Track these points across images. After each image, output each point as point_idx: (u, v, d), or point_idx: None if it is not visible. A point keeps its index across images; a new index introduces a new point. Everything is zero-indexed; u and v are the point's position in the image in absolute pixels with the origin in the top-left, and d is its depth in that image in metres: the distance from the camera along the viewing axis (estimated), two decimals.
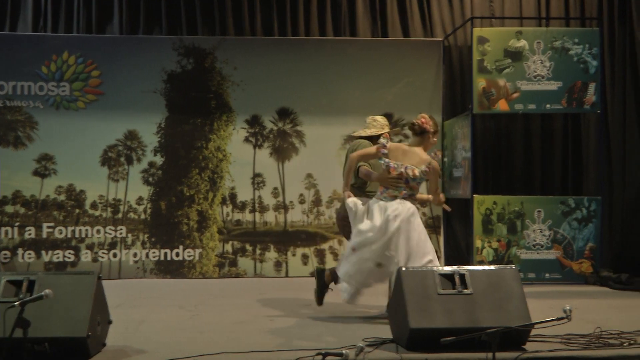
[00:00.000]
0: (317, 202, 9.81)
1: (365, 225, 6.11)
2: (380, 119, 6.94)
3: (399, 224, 6.01)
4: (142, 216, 9.61)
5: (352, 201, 6.29)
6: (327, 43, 9.84)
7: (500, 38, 9.04)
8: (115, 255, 9.51)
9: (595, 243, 8.97)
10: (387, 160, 6.22)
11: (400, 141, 9.03)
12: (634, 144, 9.51)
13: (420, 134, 6.34)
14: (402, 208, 6.09)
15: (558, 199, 9.15)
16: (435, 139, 6.45)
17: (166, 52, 9.61)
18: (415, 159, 6.23)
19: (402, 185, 6.18)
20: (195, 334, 5.74)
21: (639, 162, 9.38)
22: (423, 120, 6.33)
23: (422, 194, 6.54)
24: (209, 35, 9.80)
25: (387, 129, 6.81)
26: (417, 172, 6.17)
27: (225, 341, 5.44)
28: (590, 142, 9.86)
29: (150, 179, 9.65)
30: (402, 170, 6.17)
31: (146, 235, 9.60)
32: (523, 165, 9.97)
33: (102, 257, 9.48)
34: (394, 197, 6.16)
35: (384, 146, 6.26)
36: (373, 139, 6.74)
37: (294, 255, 9.77)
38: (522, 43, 9.02)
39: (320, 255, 9.75)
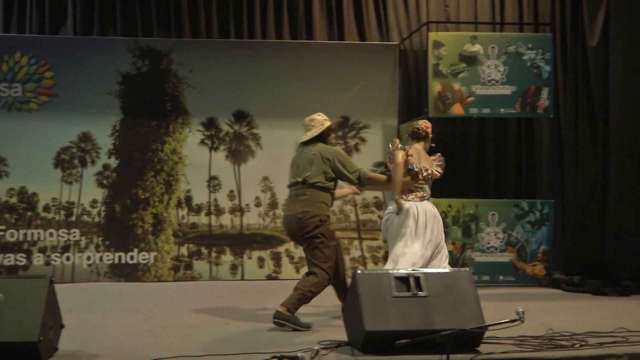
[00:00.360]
0: (273, 205, 9.80)
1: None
2: (317, 116, 6.68)
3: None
4: (96, 219, 9.52)
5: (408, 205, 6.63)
6: (284, 46, 9.84)
7: (456, 43, 9.12)
8: (68, 258, 9.40)
9: (548, 246, 9.08)
10: (413, 164, 6.61)
11: (356, 144, 9.09)
12: (585, 147, 9.64)
13: (424, 138, 6.84)
14: (433, 208, 6.72)
15: (512, 202, 9.25)
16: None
17: (121, 54, 9.54)
18: (429, 160, 6.80)
19: (425, 186, 6.71)
20: (149, 338, 5.69)
21: (591, 166, 9.50)
22: (426, 125, 6.86)
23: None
24: (164, 37, 9.74)
25: (327, 123, 6.60)
26: (436, 171, 6.78)
27: (180, 345, 5.40)
28: (544, 146, 9.98)
29: (105, 181, 9.56)
30: (427, 172, 6.66)
31: (100, 239, 9.51)
32: (478, 169, 10.06)
33: (55, 261, 9.37)
34: (423, 198, 6.69)
35: (408, 151, 6.63)
36: (323, 138, 6.64)
37: (249, 258, 9.74)
38: (477, 48, 9.11)
39: (276, 258, 9.74)
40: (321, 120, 6.62)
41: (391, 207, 6.66)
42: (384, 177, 6.70)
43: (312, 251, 6.29)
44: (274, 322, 6.05)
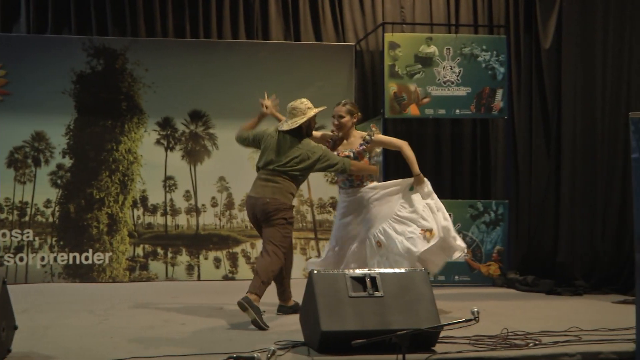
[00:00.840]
0: (229, 205, 9.78)
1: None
2: (300, 104, 6.66)
3: None
4: (50, 219, 9.41)
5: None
6: (240, 46, 9.81)
7: (411, 44, 9.18)
8: (21, 259, 9.28)
9: (502, 246, 9.18)
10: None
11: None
12: (539, 148, 9.75)
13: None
14: None
15: (467, 202, 9.33)
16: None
17: (75, 53, 9.44)
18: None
19: None
20: (104, 339, 5.64)
21: (545, 167, 9.61)
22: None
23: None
24: (119, 36, 9.65)
25: (311, 112, 6.60)
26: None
27: (135, 346, 5.37)
28: (498, 147, 10.08)
29: (59, 181, 9.46)
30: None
31: (54, 239, 9.40)
32: (433, 169, 10.10)
33: (8, 261, 9.24)
34: None
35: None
36: (306, 128, 6.66)
37: (206, 258, 9.70)
38: (432, 49, 9.17)
39: (233, 258, 9.71)
40: (303, 109, 6.62)
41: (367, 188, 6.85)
42: (364, 162, 6.84)
43: (272, 230, 6.40)
44: (239, 304, 6.09)
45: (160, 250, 9.64)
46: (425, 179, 6.87)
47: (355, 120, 6.96)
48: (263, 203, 6.45)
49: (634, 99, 9.16)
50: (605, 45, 9.30)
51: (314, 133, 6.89)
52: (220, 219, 9.77)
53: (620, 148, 9.13)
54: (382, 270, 5.50)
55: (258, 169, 6.71)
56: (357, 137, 6.92)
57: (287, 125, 6.59)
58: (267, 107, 7.08)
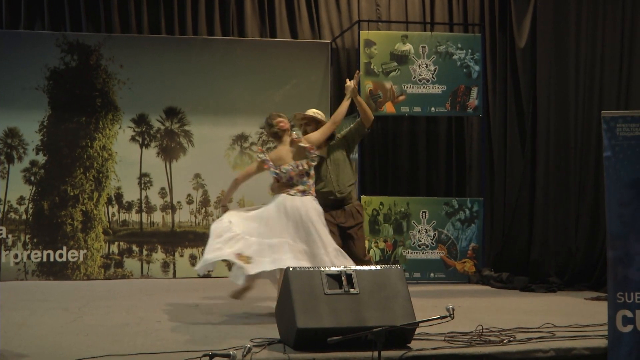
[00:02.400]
0: (205, 202, 9.75)
1: None
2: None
3: None
4: (24, 216, 9.34)
5: None
6: (215, 43, 9.78)
7: (387, 41, 9.20)
8: None
9: (477, 243, 9.23)
10: (275, 171, 6.53)
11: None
12: (514, 146, 9.81)
13: (282, 135, 6.69)
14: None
15: (442, 200, 9.37)
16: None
17: (49, 48, 9.36)
18: (300, 153, 6.56)
19: (305, 180, 6.51)
20: (78, 337, 5.61)
21: (519, 165, 9.67)
22: (279, 122, 6.70)
23: None
24: (93, 32, 9.59)
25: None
26: (310, 162, 6.52)
27: (110, 344, 5.34)
28: (473, 144, 10.13)
29: (32, 178, 9.39)
30: (298, 168, 6.49)
31: (28, 236, 9.33)
32: (409, 167, 10.16)
33: None
34: (304, 193, 6.51)
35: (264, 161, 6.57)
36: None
37: (181, 256, 9.67)
38: (408, 47, 9.20)
39: None
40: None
41: None
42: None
43: None
44: None
45: (135, 248, 9.59)
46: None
47: None
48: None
49: (606, 97, 9.25)
50: (579, 44, 9.37)
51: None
52: (195, 216, 9.74)
53: (593, 146, 9.20)
54: (358, 267, 5.51)
55: None
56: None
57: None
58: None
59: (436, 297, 7.84)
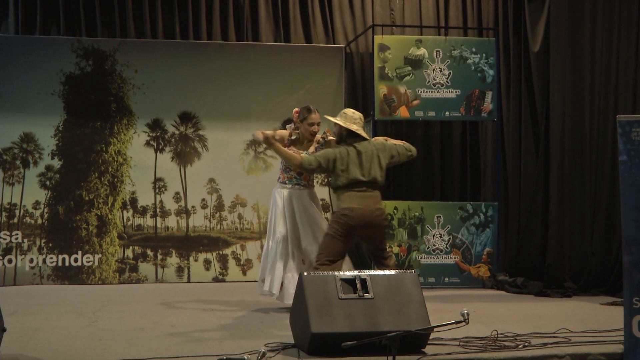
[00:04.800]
0: (219, 207, 9.76)
1: None
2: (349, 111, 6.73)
3: None
4: (39, 221, 9.38)
5: None
6: (229, 47, 9.81)
7: (401, 46, 9.19)
8: (10, 261, 9.24)
9: (492, 248, 9.20)
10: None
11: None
12: (528, 151, 9.78)
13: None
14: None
15: (457, 204, 9.35)
16: (306, 127, 7.21)
17: (64, 54, 9.40)
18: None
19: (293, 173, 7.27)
20: (93, 341, 5.63)
21: (534, 169, 9.64)
22: (295, 111, 7.32)
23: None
24: (109, 37, 9.63)
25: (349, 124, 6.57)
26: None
27: (125, 348, 5.36)
28: (488, 149, 10.10)
29: (48, 182, 9.43)
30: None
31: (43, 241, 9.36)
32: (423, 172, 10.14)
33: None
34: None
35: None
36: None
37: (196, 260, 9.69)
38: (422, 51, 9.19)
39: (223, 260, 9.70)
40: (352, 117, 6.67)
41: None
42: None
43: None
44: None
45: (150, 252, 9.62)
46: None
47: None
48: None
49: (622, 101, 9.19)
50: (594, 48, 9.32)
51: (280, 132, 7.31)
52: (210, 220, 9.76)
53: (609, 150, 9.15)
54: (373, 272, 5.50)
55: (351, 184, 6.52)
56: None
57: (363, 132, 6.61)
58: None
59: (451, 302, 7.82)
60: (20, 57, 9.30)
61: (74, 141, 9.47)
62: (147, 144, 9.66)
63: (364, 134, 6.54)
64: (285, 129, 7.36)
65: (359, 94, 10.10)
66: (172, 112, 9.70)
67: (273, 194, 7.26)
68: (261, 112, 9.74)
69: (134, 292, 8.73)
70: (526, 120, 9.83)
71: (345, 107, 9.72)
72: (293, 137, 7.24)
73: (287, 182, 7.23)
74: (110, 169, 9.55)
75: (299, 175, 7.19)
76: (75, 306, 7.48)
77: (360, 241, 6.63)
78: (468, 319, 4.83)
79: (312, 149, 7.19)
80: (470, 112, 9.27)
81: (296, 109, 7.31)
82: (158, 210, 9.67)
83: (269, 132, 6.72)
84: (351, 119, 6.54)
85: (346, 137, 6.55)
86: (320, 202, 9.69)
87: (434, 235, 9.12)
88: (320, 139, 7.24)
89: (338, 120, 6.60)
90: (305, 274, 5.35)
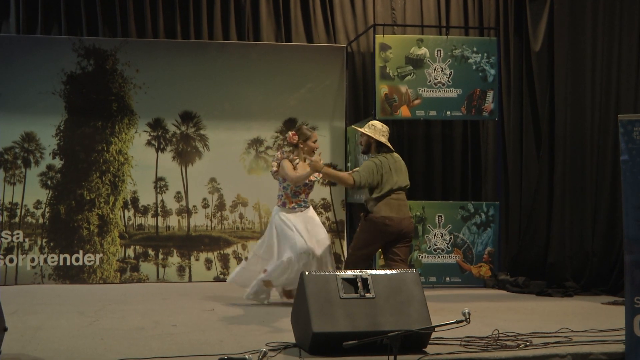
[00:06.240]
0: (220, 206, 9.76)
1: None
2: (377, 124, 7.06)
3: None
4: (40, 220, 9.38)
5: None
6: (231, 47, 9.81)
7: (402, 45, 9.19)
8: (11, 260, 9.24)
9: (493, 247, 9.19)
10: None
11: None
12: (530, 150, 9.78)
13: (295, 146, 7.54)
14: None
15: (458, 204, 9.35)
16: (311, 144, 7.50)
17: (65, 53, 9.41)
18: (304, 167, 7.43)
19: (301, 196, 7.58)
20: (94, 341, 5.63)
21: (535, 168, 9.64)
22: (291, 135, 7.54)
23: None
24: (110, 37, 9.63)
25: (378, 136, 6.93)
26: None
27: (126, 347, 5.36)
28: (489, 148, 10.10)
29: (49, 182, 9.43)
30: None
31: (44, 240, 9.37)
32: (424, 171, 10.14)
33: None
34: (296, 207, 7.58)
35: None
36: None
37: (197, 260, 9.69)
38: (423, 51, 9.19)
39: (224, 260, 9.70)
40: (380, 130, 6.99)
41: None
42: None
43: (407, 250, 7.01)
44: None
45: (151, 252, 9.62)
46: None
47: None
48: (409, 222, 6.92)
49: (623, 101, 9.19)
50: (595, 48, 9.32)
51: (287, 163, 7.47)
52: (211, 220, 9.76)
53: (610, 150, 9.15)
54: (374, 271, 5.50)
55: (398, 191, 6.89)
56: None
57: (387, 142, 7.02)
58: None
59: (452, 302, 7.82)
60: (21, 57, 9.31)
61: (75, 141, 9.47)
62: (149, 143, 9.66)
63: (390, 146, 6.97)
64: (280, 156, 7.55)
65: (360, 93, 10.10)
66: (174, 112, 9.70)
67: (278, 216, 7.45)
68: (262, 112, 9.75)
69: (135, 291, 8.73)
70: (527, 119, 9.83)
71: (346, 107, 9.81)
72: (297, 162, 7.46)
73: (295, 207, 7.47)
74: (111, 169, 9.55)
75: (306, 197, 7.57)
76: (76, 306, 7.48)
77: (387, 245, 6.90)
78: (469, 318, 4.82)
79: (302, 168, 7.48)
80: (471, 112, 9.27)
81: (292, 133, 7.56)
82: (159, 209, 9.67)
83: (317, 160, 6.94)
84: (380, 131, 6.92)
85: (375, 148, 6.95)
86: (322, 202, 9.76)
87: (435, 235, 9.12)
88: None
89: (367, 131, 6.93)
90: (306, 273, 5.34)
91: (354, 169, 7.03)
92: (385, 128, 6.95)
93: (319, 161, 6.84)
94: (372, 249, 7.01)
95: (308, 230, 7.33)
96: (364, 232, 6.87)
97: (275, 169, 7.50)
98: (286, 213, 7.41)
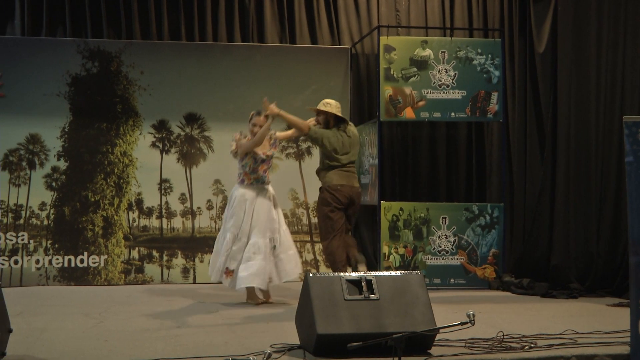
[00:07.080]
0: (225, 208, 9.75)
1: None
2: (332, 101, 7.80)
3: None
4: (45, 222, 9.40)
5: None
6: (235, 49, 9.81)
7: (406, 47, 9.18)
8: (16, 262, 9.26)
9: (498, 249, 9.18)
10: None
11: (308, 147, 9.37)
12: (534, 152, 9.77)
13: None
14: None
15: (462, 205, 9.34)
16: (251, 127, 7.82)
17: (70, 55, 9.42)
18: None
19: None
20: (99, 342, 5.64)
21: (540, 170, 9.63)
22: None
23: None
24: (114, 39, 9.65)
25: (335, 111, 7.69)
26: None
27: (130, 349, 5.37)
28: (493, 150, 10.09)
29: (54, 184, 9.45)
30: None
31: (49, 242, 9.38)
32: (429, 173, 10.14)
33: (3, 264, 9.22)
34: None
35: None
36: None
37: (201, 261, 9.69)
38: (428, 52, 9.18)
39: None
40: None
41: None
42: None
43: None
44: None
45: (155, 253, 9.63)
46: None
47: None
48: (358, 192, 7.64)
49: (628, 102, 9.18)
50: (600, 49, 9.32)
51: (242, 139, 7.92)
52: (215, 222, 9.76)
53: (615, 151, 9.14)
54: (378, 273, 5.50)
55: (346, 164, 7.63)
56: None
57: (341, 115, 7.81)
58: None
59: (456, 303, 7.81)
60: (26, 59, 9.32)
61: (79, 142, 9.48)
62: (153, 145, 9.67)
63: (346, 119, 7.79)
64: (238, 137, 7.93)
65: (364, 94, 10.10)
66: (178, 113, 9.72)
67: (236, 195, 7.76)
68: None
69: (139, 293, 8.74)
70: (531, 121, 9.82)
71: (350, 108, 9.81)
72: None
73: (254, 182, 7.75)
74: (116, 170, 9.56)
75: (264, 173, 7.78)
76: (81, 307, 7.49)
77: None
78: (474, 320, 4.82)
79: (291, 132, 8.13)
80: (475, 113, 9.26)
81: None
82: (164, 211, 9.68)
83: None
84: (335, 106, 7.66)
85: (334, 123, 7.66)
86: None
87: (439, 237, 9.11)
88: (272, 141, 7.88)
89: (324, 108, 7.65)
90: (311, 275, 5.34)
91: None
92: (339, 104, 7.73)
93: (274, 107, 7.48)
94: (337, 220, 7.48)
95: (254, 213, 7.62)
96: (321, 208, 7.56)
97: (233, 148, 7.80)
98: (244, 189, 7.70)
